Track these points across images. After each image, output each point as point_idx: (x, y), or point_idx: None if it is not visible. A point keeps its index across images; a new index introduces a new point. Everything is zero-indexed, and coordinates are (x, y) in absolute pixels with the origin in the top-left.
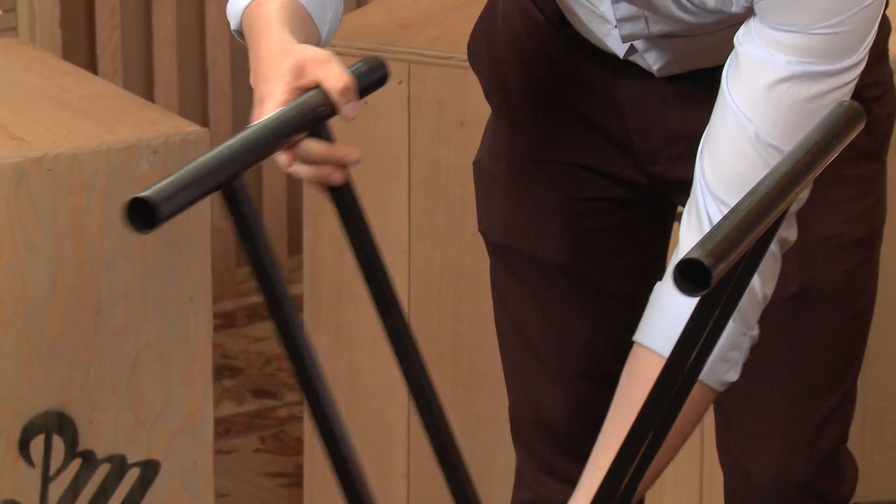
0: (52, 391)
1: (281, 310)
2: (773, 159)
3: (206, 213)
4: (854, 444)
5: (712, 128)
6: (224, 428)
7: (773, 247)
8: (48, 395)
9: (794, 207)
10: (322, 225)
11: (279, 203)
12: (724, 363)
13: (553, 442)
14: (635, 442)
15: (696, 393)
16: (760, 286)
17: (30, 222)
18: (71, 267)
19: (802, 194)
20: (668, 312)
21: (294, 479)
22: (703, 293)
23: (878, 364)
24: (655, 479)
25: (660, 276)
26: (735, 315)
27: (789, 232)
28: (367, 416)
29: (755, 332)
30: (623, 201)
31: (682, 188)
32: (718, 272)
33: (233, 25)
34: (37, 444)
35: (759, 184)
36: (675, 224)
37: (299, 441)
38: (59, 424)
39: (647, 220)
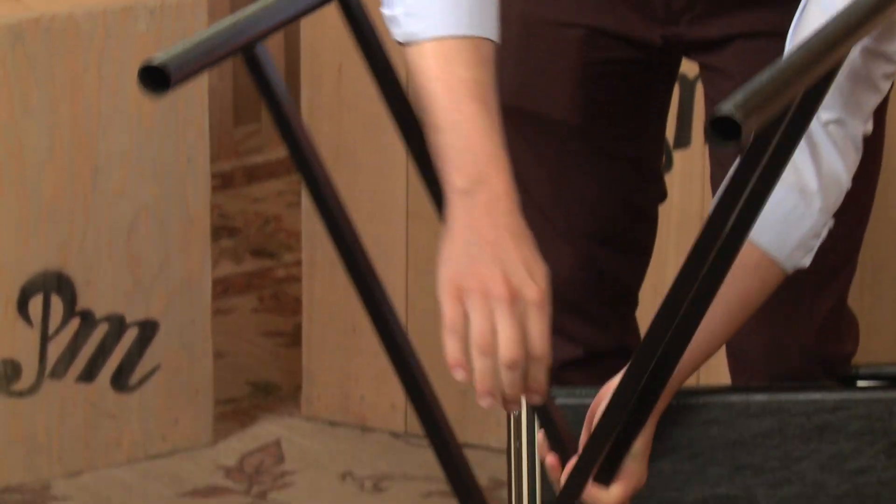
0: (50, 252)
1: (310, 170)
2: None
3: (203, 73)
4: (853, 303)
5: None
6: (222, 288)
7: (856, 143)
8: (46, 255)
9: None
10: (320, 84)
11: (276, 63)
12: (804, 249)
13: (556, 298)
14: (674, 303)
15: (769, 272)
16: (846, 177)
17: (27, 84)
18: (68, 129)
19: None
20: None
21: (292, 339)
22: (737, 146)
23: (876, 221)
24: (714, 350)
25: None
26: (821, 203)
27: (867, 126)
28: None
29: (832, 222)
30: (635, 63)
31: (699, 47)
32: (751, 126)
33: (399, 39)
34: (35, 304)
35: (804, 39)
36: (698, 84)
37: (297, 301)
38: (57, 284)
39: (658, 81)
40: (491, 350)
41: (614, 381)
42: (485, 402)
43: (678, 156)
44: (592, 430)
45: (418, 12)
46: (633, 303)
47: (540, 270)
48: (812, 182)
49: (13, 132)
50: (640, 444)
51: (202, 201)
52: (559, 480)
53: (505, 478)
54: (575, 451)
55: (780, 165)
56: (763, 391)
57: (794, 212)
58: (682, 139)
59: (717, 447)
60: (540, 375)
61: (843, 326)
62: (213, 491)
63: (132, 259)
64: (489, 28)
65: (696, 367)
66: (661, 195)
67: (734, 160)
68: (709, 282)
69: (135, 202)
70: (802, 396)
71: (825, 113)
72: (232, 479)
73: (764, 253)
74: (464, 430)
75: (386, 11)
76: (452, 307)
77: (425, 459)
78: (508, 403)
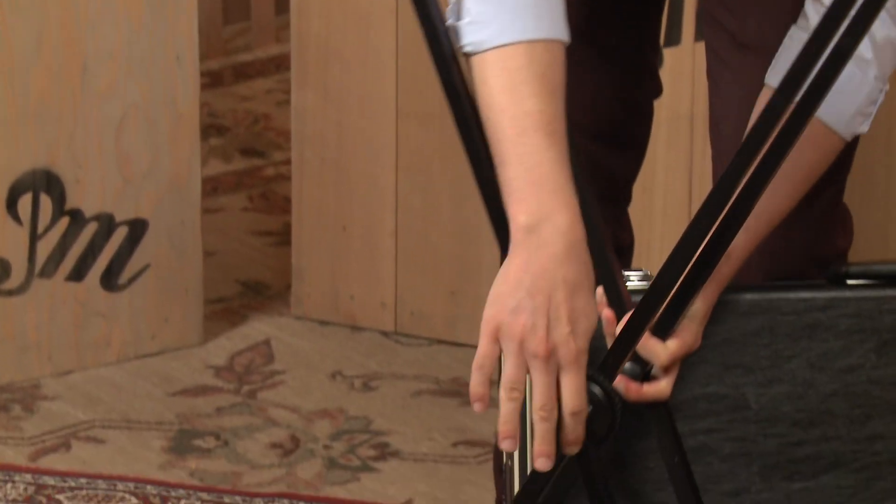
0: (39, 150)
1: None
2: None
3: None
4: (844, 198)
5: None
6: (211, 187)
7: None
8: (35, 154)
9: None
10: None
11: None
12: (861, 116)
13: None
14: (736, 171)
15: (828, 141)
16: None
17: None
18: (56, 27)
19: None
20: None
21: (281, 238)
22: None
23: None
24: (774, 224)
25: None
26: (877, 71)
27: None
28: (355, 175)
29: (887, 87)
30: None
31: None
32: None
33: (465, 49)
34: (24, 203)
35: None
36: None
37: (286, 200)
38: (46, 183)
39: None
40: (518, 395)
41: None
42: (506, 445)
43: (668, 54)
44: (652, 282)
45: (483, 20)
46: (626, 198)
47: (584, 325)
48: (867, 51)
49: (1, 31)
50: (701, 307)
51: (191, 100)
52: (614, 334)
53: (497, 377)
54: (631, 307)
55: (856, 42)
56: (753, 290)
57: (851, 81)
58: (672, 37)
59: (706, 346)
60: (577, 428)
61: (838, 221)
62: (202, 390)
63: (121, 158)
64: (558, 28)
65: (757, 241)
66: (657, 90)
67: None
68: (777, 148)
69: (124, 101)
70: (793, 295)
71: None
72: (222, 378)
73: (823, 123)
74: (453, 329)
75: (450, 22)
76: (487, 345)
77: (415, 358)
78: (538, 457)
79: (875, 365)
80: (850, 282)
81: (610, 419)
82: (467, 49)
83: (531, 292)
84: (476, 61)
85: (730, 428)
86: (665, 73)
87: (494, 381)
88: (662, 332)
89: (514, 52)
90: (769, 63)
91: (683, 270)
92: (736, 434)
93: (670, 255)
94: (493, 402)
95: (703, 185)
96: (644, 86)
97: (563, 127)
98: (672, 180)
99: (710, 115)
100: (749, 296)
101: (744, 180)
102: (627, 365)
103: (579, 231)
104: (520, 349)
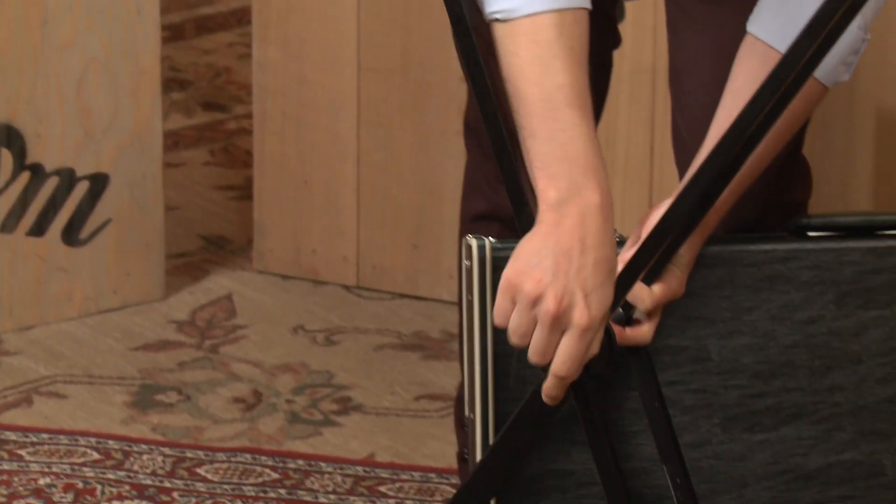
0: None
1: None
2: None
3: None
4: (804, 151)
5: None
6: (173, 141)
7: None
8: None
9: None
10: None
11: None
12: (844, 66)
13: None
14: (739, 131)
15: (811, 91)
16: None
17: None
18: None
19: None
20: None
21: (243, 192)
22: None
23: None
24: (757, 175)
25: None
26: (859, 20)
27: None
28: (316, 129)
29: (869, 36)
30: None
31: None
32: None
33: (496, 16)
34: None
35: None
36: None
37: (248, 154)
38: (6, 137)
39: None
40: (523, 341)
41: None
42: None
43: (630, 7)
44: (650, 231)
45: None
46: None
47: (600, 301)
48: None
49: None
50: (686, 254)
51: (152, 53)
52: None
53: (456, 330)
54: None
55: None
56: (714, 242)
57: None
58: None
59: None
60: (558, 390)
61: (798, 173)
62: (164, 345)
63: (82, 112)
64: None
65: (740, 192)
66: (616, 41)
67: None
68: (777, 106)
69: (84, 54)
70: (753, 247)
71: None
72: (184, 333)
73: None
74: (415, 283)
75: None
76: (502, 302)
77: (377, 312)
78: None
79: (835, 316)
80: (810, 234)
81: (608, 355)
82: (497, 16)
83: (554, 255)
84: (505, 30)
85: (691, 380)
86: (627, 27)
87: (453, 334)
88: (648, 278)
89: (545, 23)
90: (732, 13)
91: (684, 218)
92: (697, 386)
93: (673, 204)
94: (453, 357)
95: (665, 139)
96: (603, 37)
97: (590, 101)
98: (634, 133)
99: (670, 68)
100: (710, 248)
101: (746, 135)
102: None
103: (608, 211)
104: (530, 307)
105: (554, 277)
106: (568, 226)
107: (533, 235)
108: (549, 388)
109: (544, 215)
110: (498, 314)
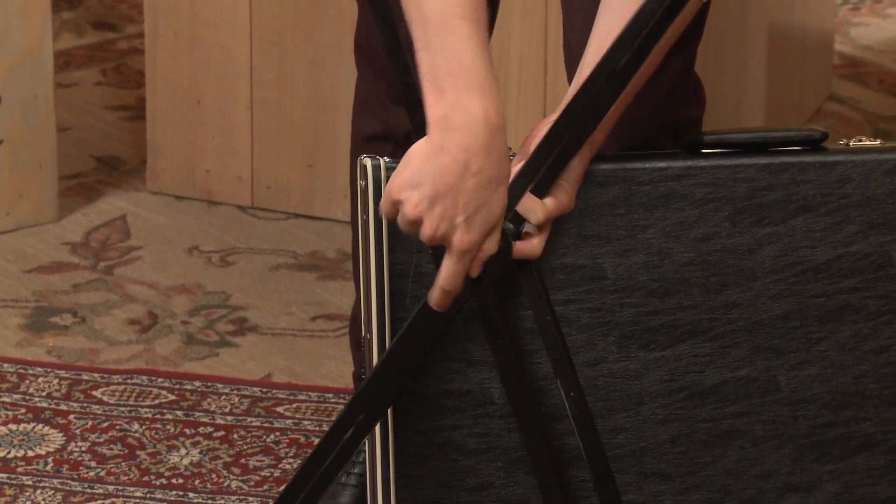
0: None
1: None
2: None
3: None
4: (697, 69)
5: None
6: (64, 61)
7: None
8: None
9: None
10: None
11: None
12: None
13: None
14: (628, 40)
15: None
16: None
17: None
18: None
19: None
20: None
21: (136, 112)
22: None
23: None
24: (640, 85)
25: None
26: None
27: None
28: (210, 47)
29: None
30: None
31: None
32: None
33: None
34: None
35: None
36: None
37: (140, 74)
38: None
39: None
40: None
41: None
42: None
43: None
44: (539, 143)
45: None
46: None
47: (483, 217)
48: None
49: None
50: (577, 168)
51: None
52: None
53: (350, 250)
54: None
55: None
56: (608, 160)
57: None
58: None
59: (563, 216)
60: (444, 301)
61: (690, 90)
62: (58, 267)
63: None
64: None
65: (623, 106)
66: None
67: None
68: (657, 28)
69: None
70: (647, 164)
71: None
72: (78, 254)
73: None
74: (310, 203)
75: None
76: (387, 207)
77: (272, 232)
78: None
79: (730, 233)
80: (704, 150)
81: (505, 256)
82: None
83: (436, 175)
84: None
85: (587, 298)
86: None
87: (349, 254)
88: (539, 191)
89: None
90: None
91: (569, 131)
92: (593, 304)
93: (561, 115)
94: (348, 277)
95: (558, 54)
96: None
97: (486, 15)
98: (527, 49)
99: None
100: (604, 166)
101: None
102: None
103: (497, 124)
104: (410, 225)
105: (430, 205)
106: (451, 147)
107: (419, 150)
108: (435, 299)
109: (431, 131)
110: (384, 213)
